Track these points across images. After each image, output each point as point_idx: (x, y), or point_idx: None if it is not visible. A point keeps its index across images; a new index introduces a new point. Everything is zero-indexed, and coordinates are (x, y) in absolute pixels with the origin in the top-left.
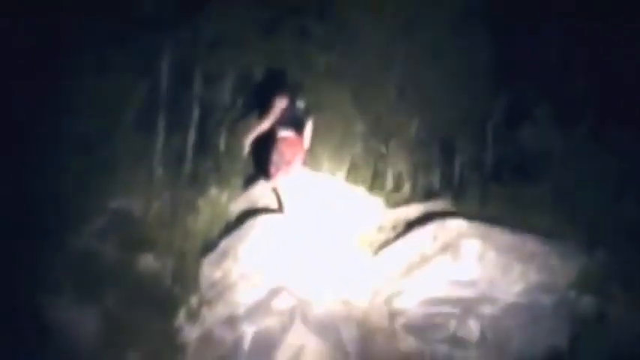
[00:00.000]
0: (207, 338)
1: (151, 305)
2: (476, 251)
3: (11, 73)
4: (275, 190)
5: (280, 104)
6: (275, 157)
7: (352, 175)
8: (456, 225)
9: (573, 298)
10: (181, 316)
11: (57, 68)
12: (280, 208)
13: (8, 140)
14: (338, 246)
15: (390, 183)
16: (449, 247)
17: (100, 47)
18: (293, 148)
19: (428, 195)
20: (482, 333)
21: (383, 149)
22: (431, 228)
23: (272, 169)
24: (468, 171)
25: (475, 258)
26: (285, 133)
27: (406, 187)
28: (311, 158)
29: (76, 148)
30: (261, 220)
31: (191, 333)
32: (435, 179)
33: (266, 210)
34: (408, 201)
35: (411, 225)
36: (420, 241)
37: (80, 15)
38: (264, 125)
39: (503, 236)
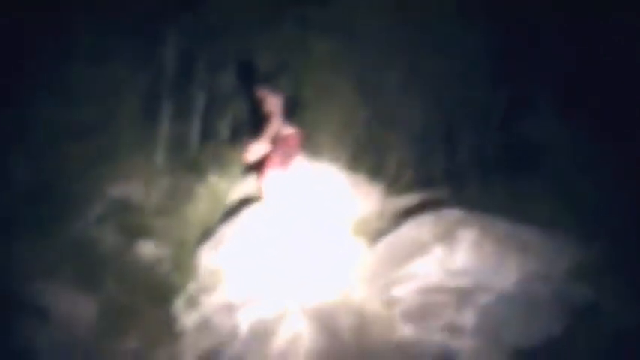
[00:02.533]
0: (205, 325)
1: (150, 292)
2: (472, 240)
3: (8, 60)
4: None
5: (276, 105)
6: (276, 155)
7: (354, 162)
8: (453, 214)
9: (570, 287)
10: (180, 303)
11: (56, 56)
12: (263, 197)
13: (5, 126)
14: (335, 234)
15: (392, 171)
16: (445, 236)
17: (101, 35)
18: (294, 145)
19: (429, 184)
20: (478, 322)
21: (385, 137)
22: (428, 217)
23: (269, 167)
24: (469, 160)
25: (471, 247)
26: (287, 131)
27: (408, 176)
28: (311, 146)
29: (76, 135)
30: (258, 208)
31: (189, 320)
32: (437, 168)
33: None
34: (409, 189)
35: (408, 213)
36: (416, 229)
37: (80, 2)
38: (267, 137)
39: (499, 226)
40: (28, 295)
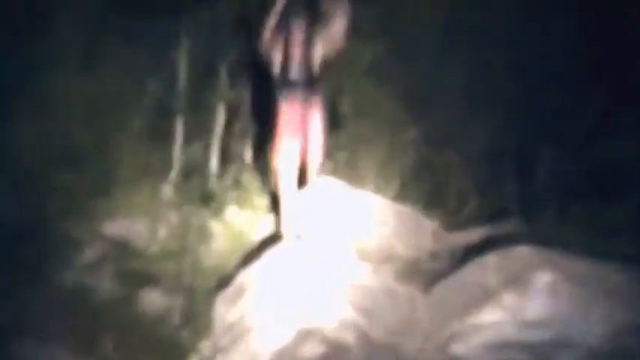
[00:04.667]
0: None
1: (156, 353)
2: (549, 285)
3: None
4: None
5: None
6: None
7: (403, 192)
8: (524, 253)
9: None
10: None
11: (37, 63)
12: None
13: None
14: (381, 278)
15: (450, 202)
16: (516, 280)
17: (96, 36)
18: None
19: (496, 216)
20: None
21: (442, 160)
22: (494, 256)
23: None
24: (544, 187)
25: (548, 293)
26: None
27: (469, 207)
28: (353, 172)
29: (64, 163)
30: (286, 248)
31: None
32: (506, 197)
33: (295, 236)
34: (470, 223)
35: (470, 252)
36: (480, 272)
37: None
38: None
39: (582, 266)
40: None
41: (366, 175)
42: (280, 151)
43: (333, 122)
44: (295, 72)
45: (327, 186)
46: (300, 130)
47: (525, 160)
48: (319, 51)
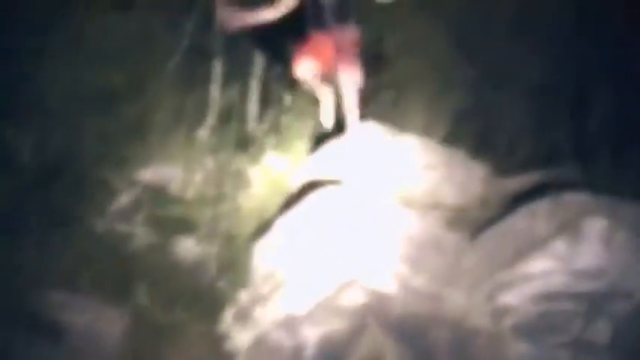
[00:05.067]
0: (261, 345)
1: (192, 303)
2: (603, 232)
3: (4, 6)
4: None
5: None
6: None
7: (452, 135)
8: (578, 199)
9: None
10: (229, 316)
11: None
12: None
13: (5, 95)
14: (426, 226)
15: (501, 145)
16: (567, 228)
17: None
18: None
19: (549, 161)
20: (616, 335)
21: (493, 102)
22: (545, 203)
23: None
24: (601, 130)
25: (602, 241)
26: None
27: (521, 151)
28: (399, 113)
29: (97, 105)
30: (327, 194)
31: (241, 338)
32: (561, 139)
33: (336, 181)
34: (523, 167)
35: (520, 199)
36: (531, 219)
37: None
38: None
39: (637, 213)
40: (38, 309)
41: (413, 116)
42: (297, 69)
43: (379, 60)
44: None
45: (370, 129)
46: (321, 61)
47: (580, 102)
48: None
